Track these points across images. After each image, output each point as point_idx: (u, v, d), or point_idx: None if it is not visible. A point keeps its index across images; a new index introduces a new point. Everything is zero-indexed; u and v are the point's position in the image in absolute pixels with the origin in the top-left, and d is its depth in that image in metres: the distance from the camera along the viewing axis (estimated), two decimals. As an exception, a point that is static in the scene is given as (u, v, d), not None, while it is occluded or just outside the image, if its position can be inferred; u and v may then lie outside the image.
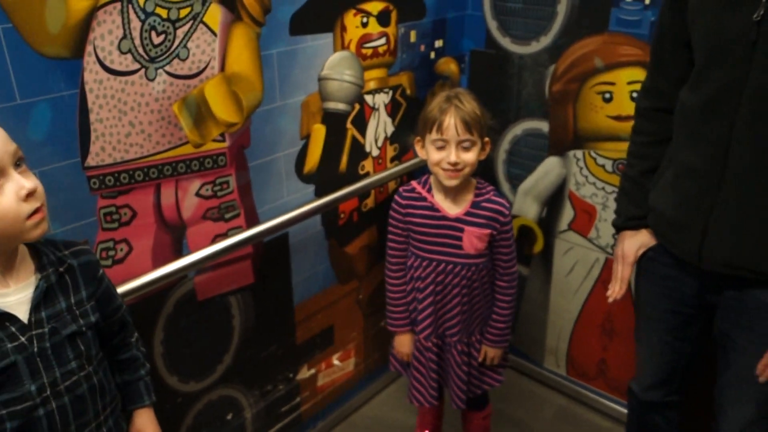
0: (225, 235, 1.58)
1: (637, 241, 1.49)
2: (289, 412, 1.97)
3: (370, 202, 1.99)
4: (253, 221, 1.63)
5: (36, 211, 0.95)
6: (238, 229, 1.60)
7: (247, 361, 1.77)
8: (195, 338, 1.61)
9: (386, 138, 1.94)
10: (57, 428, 1.04)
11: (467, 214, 1.58)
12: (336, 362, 2.09)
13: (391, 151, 1.98)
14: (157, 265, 1.44)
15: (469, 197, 1.59)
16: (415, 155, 2.06)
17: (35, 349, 1.00)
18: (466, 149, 1.51)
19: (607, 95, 1.82)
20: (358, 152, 1.87)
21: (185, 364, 1.61)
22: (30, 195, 0.93)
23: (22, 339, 0.99)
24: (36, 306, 1.01)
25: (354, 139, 1.84)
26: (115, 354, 1.22)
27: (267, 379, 1.86)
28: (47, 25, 1.13)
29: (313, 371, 2.01)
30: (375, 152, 1.92)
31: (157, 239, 1.45)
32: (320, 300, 1.95)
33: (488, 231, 1.58)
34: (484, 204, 1.58)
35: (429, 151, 1.55)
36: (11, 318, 0.99)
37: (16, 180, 0.93)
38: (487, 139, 1.55)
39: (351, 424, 2.18)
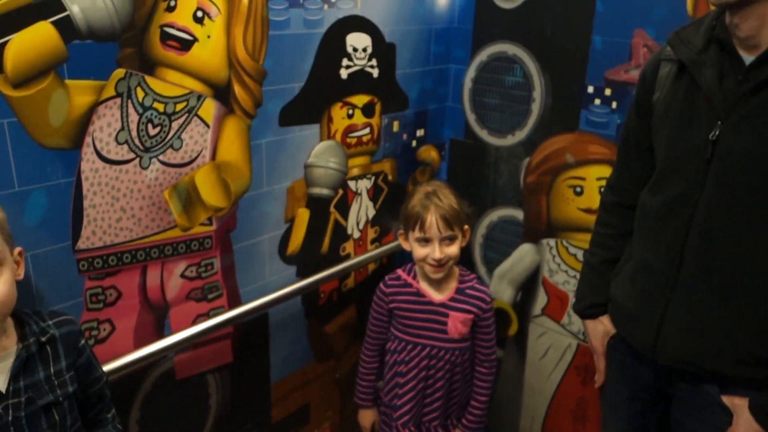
0: (207, 315, 1.62)
1: (600, 332, 1.55)
2: (261, 492, 1.96)
3: (350, 282, 2.04)
4: (235, 301, 1.67)
5: None
6: (220, 309, 1.64)
7: (222, 441, 1.77)
8: (171, 417, 1.62)
9: (367, 221, 2.02)
10: None
11: (452, 299, 1.66)
12: (311, 441, 2.09)
13: (371, 233, 2.05)
14: (138, 344, 1.47)
15: (453, 284, 1.67)
16: (395, 238, 2.13)
17: (10, 418, 1.03)
18: (449, 244, 1.60)
19: (578, 189, 1.92)
20: (340, 235, 1.94)
21: (159, 444, 1.62)
22: None
23: None
24: (15, 375, 1.04)
25: (336, 222, 1.91)
26: (90, 430, 1.23)
27: (240, 458, 1.85)
28: (50, 118, 1.21)
29: (287, 450, 2.01)
30: (356, 234, 1.99)
31: (140, 319, 1.48)
32: (297, 378, 1.97)
33: (471, 316, 1.65)
34: (468, 291, 1.66)
35: (414, 247, 1.63)
36: None
37: None
38: (466, 227, 1.64)
39: (323, 506, 2.15)
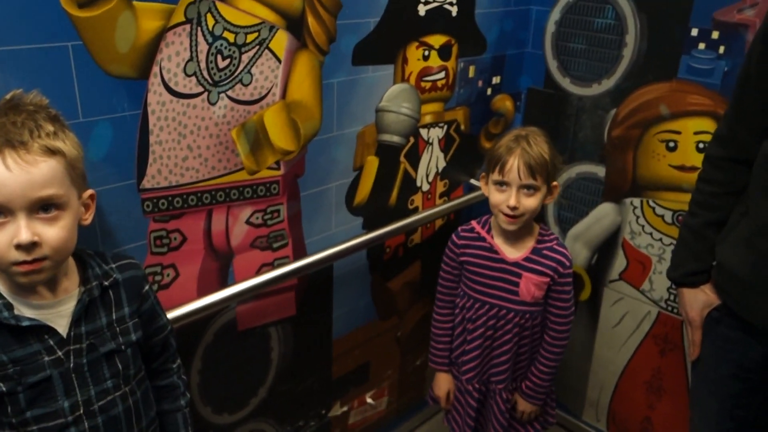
0: (271, 265, 1.53)
1: (699, 302, 1.41)
2: (319, 449, 1.91)
3: (416, 237, 1.93)
4: (300, 252, 1.58)
5: (23, 263, 0.88)
6: (285, 260, 1.56)
7: (282, 395, 1.71)
8: (232, 369, 1.56)
9: (437, 173, 1.89)
10: None
11: (527, 259, 1.52)
12: (369, 400, 2.02)
13: (440, 187, 1.93)
14: (201, 292, 1.39)
15: (530, 243, 1.53)
16: (465, 193, 2.01)
17: (71, 365, 0.97)
18: (529, 194, 1.45)
19: (672, 144, 1.76)
20: (409, 186, 1.82)
21: (220, 396, 1.56)
22: (21, 246, 0.87)
23: (59, 353, 0.96)
24: (76, 320, 0.98)
25: (406, 172, 1.79)
26: (154, 379, 1.17)
27: (299, 414, 1.79)
28: (116, 44, 1.11)
29: (345, 408, 1.94)
30: (425, 187, 1.87)
31: (204, 266, 1.40)
32: (359, 335, 1.88)
33: (547, 279, 1.51)
34: (546, 252, 1.52)
35: (490, 191, 1.49)
36: (50, 330, 0.95)
37: (18, 225, 0.87)
38: (555, 183, 1.49)
39: (379, 466, 2.10)
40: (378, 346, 1.97)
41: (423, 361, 2.16)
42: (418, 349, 2.12)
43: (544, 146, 1.45)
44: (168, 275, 1.35)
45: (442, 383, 1.69)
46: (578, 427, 2.22)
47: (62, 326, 0.97)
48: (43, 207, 0.89)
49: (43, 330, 0.95)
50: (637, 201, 1.88)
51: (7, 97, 0.91)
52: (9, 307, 0.93)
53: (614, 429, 2.14)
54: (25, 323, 0.93)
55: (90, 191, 0.99)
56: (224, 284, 1.44)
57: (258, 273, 1.50)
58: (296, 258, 1.57)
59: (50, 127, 0.89)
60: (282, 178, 1.47)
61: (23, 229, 0.86)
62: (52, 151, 0.89)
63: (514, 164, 1.43)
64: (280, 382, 1.69)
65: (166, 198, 1.29)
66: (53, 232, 0.90)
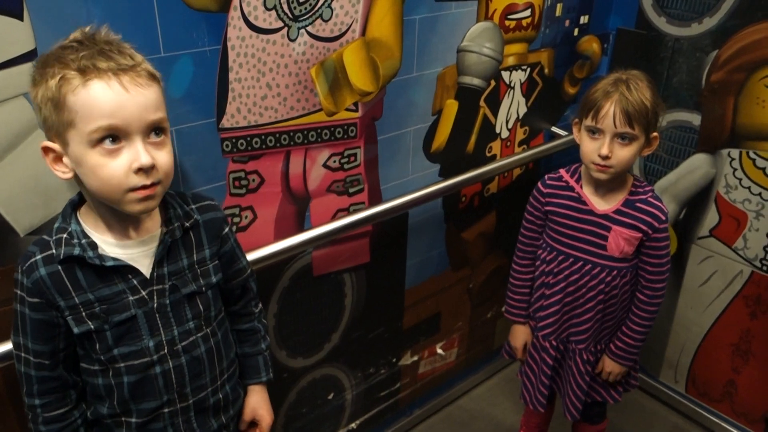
0: (347, 210, 1.50)
1: None
2: (388, 396, 1.90)
3: (492, 186, 1.86)
4: (375, 198, 1.54)
5: (142, 188, 0.86)
6: (361, 205, 1.52)
7: (354, 342, 1.70)
8: (307, 314, 1.55)
9: (517, 119, 1.80)
10: (173, 388, 1.00)
11: (617, 212, 1.42)
12: (439, 351, 1.99)
13: (520, 134, 1.84)
14: (279, 235, 1.37)
15: (622, 194, 1.43)
16: (545, 140, 1.91)
17: (155, 305, 0.96)
18: (624, 144, 1.34)
19: (780, 89, 1.60)
20: (488, 133, 1.74)
21: (295, 340, 1.56)
22: (141, 170, 0.84)
23: (143, 293, 0.95)
24: (159, 261, 0.97)
25: (485, 118, 1.71)
26: (236, 322, 1.16)
27: (370, 361, 1.78)
28: (198, -26, 1.07)
29: (415, 358, 1.92)
30: (504, 134, 1.79)
31: (281, 209, 1.38)
32: (431, 285, 1.85)
33: (639, 234, 1.41)
34: (639, 204, 1.41)
35: (582, 138, 1.39)
36: (133, 270, 0.95)
37: (137, 149, 0.84)
38: (655, 134, 1.37)
39: (447, 415, 2.09)
40: (449, 297, 1.93)
41: (494, 314, 2.12)
42: (490, 301, 2.07)
43: (645, 92, 1.33)
44: (246, 217, 1.33)
45: (519, 335, 1.63)
46: (654, 388, 2.14)
47: (145, 266, 0.96)
48: (155, 131, 0.87)
49: (126, 270, 0.94)
50: (735, 152, 1.74)
51: (77, 34, 0.85)
52: (93, 246, 0.92)
53: (694, 392, 2.05)
54: (110, 263, 0.92)
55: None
56: (301, 228, 1.42)
57: (333, 218, 1.47)
58: (371, 204, 1.52)
59: (140, 56, 0.86)
60: (359, 120, 1.42)
61: (143, 153, 0.84)
62: (154, 77, 0.87)
63: (610, 110, 1.32)
64: (353, 329, 1.68)
65: (245, 138, 1.26)
66: (164, 156, 0.88)
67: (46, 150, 0.86)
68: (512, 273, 1.61)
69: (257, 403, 1.19)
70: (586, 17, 1.82)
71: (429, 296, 1.86)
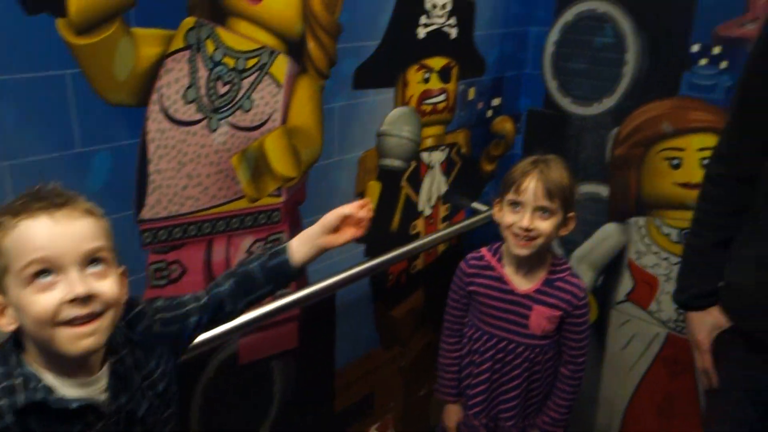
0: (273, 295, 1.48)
1: (707, 324, 1.35)
2: (324, 486, 1.83)
3: (419, 263, 1.89)
4: (301, 281, 1.54)
5: (77, 322, 0.78)
6: (287, 290, 1.51)
7: (285, 431, 1.64)
8: (234, 406, 1.50)
9: (439, 197, 1.86)
10: None
11: (538, 291, 1.47)
12: (374, 433, 1.95)
13: (443, 211, 1.89)
14: (203, 326, 1.34)
15: (542, 273, 1.48)
16: (467, 216, 1.97)
17: None
18: (543, 217, 1.40)
19: (676, 161, 1.74)
20: (411, 211, 1.78)
21: (223, 433, 1.49)
22: (75, 300, 0.78)
23: (97, 426, 0.87)
24: (115, 394, 0.89)
25: (408, 197, 1.75)
26: (237, 300, 1.09)
27: (304, 450, 1.73)
28: (115, 71, 1.08)
29: (351, 442, 1.88)
30: (427, 212, 1.84)
31: (205, 298, 1.35)
32: (362, 365, 1.83)
33: (559, 312, 1.46)
34: (558, 283, 1.47)
35: (504, 213, 1.45)
36: (95, 409, 0.86)
37: (71, 280, 0.78)
38: (571, 213, 1.44)
39: (386, 501, 2.02)
40: (381, 376, 1.91)
41: (427, 392, 2.10)
42: (422, 378, 2.06)
43: (563, 173, 1.41)
44: (168, 309, 1.29)
45: (452, 414, 1.63)
46: (588, 454, 2.16)
47: (102, 401, 0.87)
48: (92, 261, 0.81)
49: (88, 409, 0.86)
50: (642, 220, 1.85)
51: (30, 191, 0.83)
52: (49, 390, 0.83)
53: (626, 455, 2.08)
54: (75, 405, 0.83)
55: (122, 267, 0.90)
56: (226, 317, 1.39)
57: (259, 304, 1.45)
58: (298, 288, 1.52)
59: (81, 197, 0.84)
60: (283, 205, 1.43)
61: (77, 282, 0.78)
62: (93, 214, 0.83)
63: (531, 184, 1.39)
64: (282, 418, 1.63)
65: (166, 228, 1.24)
66: (107, 285, 0.82)
67: None
68: (441, 352, 1.62)
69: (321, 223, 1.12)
70: (498, 99, 1.94)
71: (360, 377, 1.83)
